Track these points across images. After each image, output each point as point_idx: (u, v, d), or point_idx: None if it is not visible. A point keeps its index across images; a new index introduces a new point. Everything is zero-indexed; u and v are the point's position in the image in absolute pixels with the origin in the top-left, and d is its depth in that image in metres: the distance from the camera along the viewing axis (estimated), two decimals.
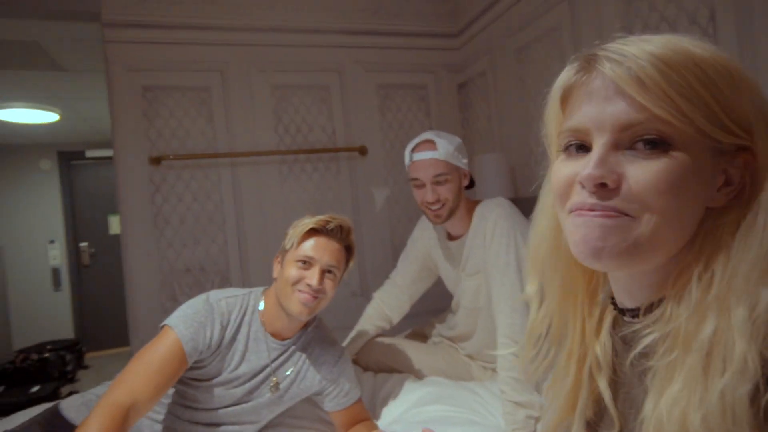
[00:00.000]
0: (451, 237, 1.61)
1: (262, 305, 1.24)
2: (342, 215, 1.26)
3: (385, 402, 1.47)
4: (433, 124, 2.73)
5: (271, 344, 1.22)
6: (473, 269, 1.51)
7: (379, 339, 1.78)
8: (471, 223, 1.51)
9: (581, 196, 0.46)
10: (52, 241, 4.42)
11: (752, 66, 1.34)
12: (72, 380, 3.73)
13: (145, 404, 1.00)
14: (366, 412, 1.33)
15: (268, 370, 1.21)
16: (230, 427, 1.20)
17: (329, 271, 1.19)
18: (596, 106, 0.45)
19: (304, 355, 1.27)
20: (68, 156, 4.51)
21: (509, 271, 1.36)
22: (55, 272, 4.43)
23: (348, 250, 1.26)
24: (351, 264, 1.28)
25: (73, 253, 4.50)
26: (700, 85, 0.41)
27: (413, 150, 1.47)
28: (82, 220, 4.58)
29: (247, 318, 1.22)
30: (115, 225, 4.65)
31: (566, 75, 0.50)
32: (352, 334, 1.81)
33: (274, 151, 2.41)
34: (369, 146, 2.57)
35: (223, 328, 1.16)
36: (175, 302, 2.28)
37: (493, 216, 1.43)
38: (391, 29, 2.62)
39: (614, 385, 0.53)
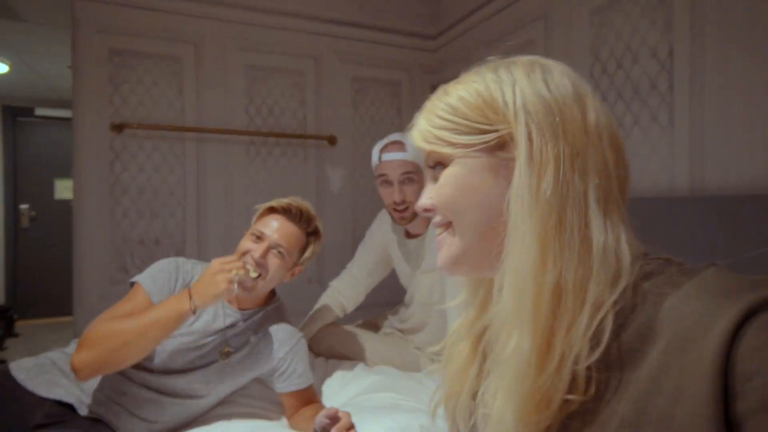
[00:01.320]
0: (408, 235, 1.67)
1: None
2: (306, 203, 1.33)
3: (334, 387, 1.51)
4: (404, 122, 2.78)
5: (227, 311, 1.26)
6: (430, 267, 1.58)
7: (332, 326, 1.82)
8: (430, 223, 1.57)
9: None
10: None
11: (701, 93, 1.48)
12: None
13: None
14: (316, 397, 1.37)
15: (221, 335, 1.24)
16: (180, 400, 1.20)
17: (277, 250, 1.23)
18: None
19: (260, 330, 1.29)
20: (15, 111, 4.24)
21: None
22: None
23: (309, 235, 1.33)
24: (311, 250, 1.35)
25: (11, 214, 4.24)
26: (447, 114, 0.52)
27: (382, 150, 1.52)
28: (25, 181, 4.33)
29: None
30: (61, 189, 4.42)
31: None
32: (306, 320, 1.84)
33: (244, 131, 2.38)
34: (339, 136, 2.59)
35: (185, 286, 1.22)
36: (126, 274, 2.22)
37: None
38: (372, 23, 2.64)
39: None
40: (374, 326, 1.95)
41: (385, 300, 2.04)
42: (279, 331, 1.31)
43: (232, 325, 1.26)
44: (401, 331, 1.81)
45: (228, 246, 2.34)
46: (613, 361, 0.42)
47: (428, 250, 1.57)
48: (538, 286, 0.44)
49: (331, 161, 2.61)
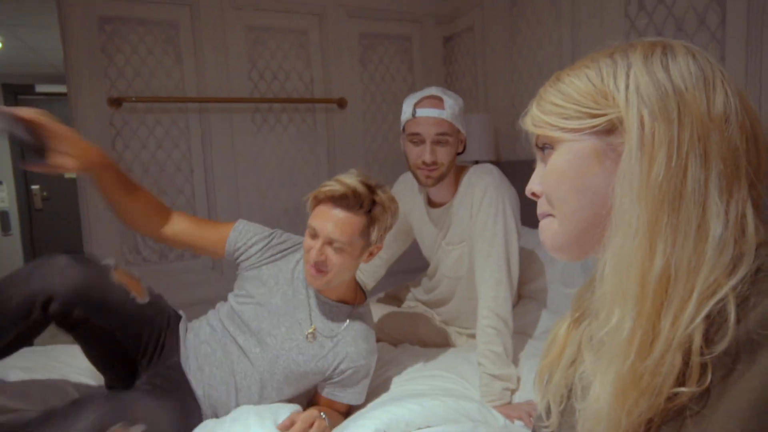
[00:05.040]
0: (432, 203, 1.54)
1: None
2: (362, 175, 1.18)
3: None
4: (416, 79, 2.61)
5: (311, 292, 1.23)
6: (457, 238, 1.46)
7: None
8: (457, 191, 1.44)
9: None
10: None
11: (759, 28, 1.29)
12: None
13: (168, 226, 1.24)
14: (344, 410, 1.26)
15: (305, 313, 1.21)
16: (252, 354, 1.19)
17: (334, 247, 1.12)
18: None
19: (348, 332, 1.22)
20: (15, 89, 4.12)
21: (496, 242, 1.32)
22: (3, 215, 4.15)
23: (370, 213, 1.15)
24: (378, 228, 1.17)
25: (23, 195, 4.21)
26: (558, 99, 0.52)
27: (417, 104, 1.37)
28: None
29: (296, 256, 1.28)
30: None
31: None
32: None
33: (248, 99, 2.25)
34: (348, 99, 2.44)
35: (268, 246, 1.26)
36: (138, 255, 2.16)
37: (482, 184, 1.36)
38: None
39: None
40: (396, 300, 1.87)
41: (408, 267, 1.94)
42: (359, 340, 1.21)
43: (318, 309, 1.23)
44: (425, 303, 1.72)
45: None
46: (733, 349, 0.40)
47: (454, 220, 1.45)
48: (643, 270, 0.44)
49: (342, 125, 2.47)
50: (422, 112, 1.34)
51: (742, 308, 0.41)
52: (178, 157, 2.18)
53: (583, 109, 0.50)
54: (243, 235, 1.26)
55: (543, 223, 0.56)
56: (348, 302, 1.26)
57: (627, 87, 0.47)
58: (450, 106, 1.34)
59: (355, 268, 1.21)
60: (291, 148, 2.39)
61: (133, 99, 2.04)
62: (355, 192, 1.12)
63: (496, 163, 2.28)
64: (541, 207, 0.56)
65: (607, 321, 0.46)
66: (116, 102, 2.02)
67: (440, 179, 1.40)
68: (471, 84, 2.51)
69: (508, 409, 1.21)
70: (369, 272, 1.73)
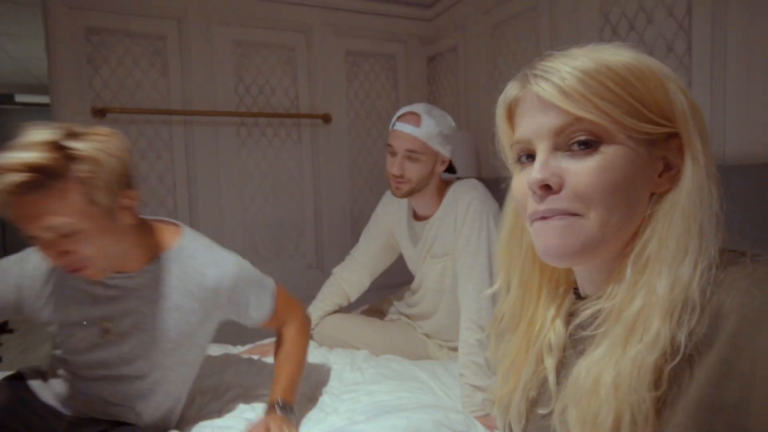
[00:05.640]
0: (417, 216, 1.57)
1: None
2: (44, 126, 0.84)
3: (338, 383, 1.42)
4: (400, 96, 2.66)
5: (108, 282, 0.98)
6: (440, 251, 1.49)
7: (335, 314, 1.75)
8: (442, 204, 1.48)
9: (533, 205, 0.50)
10: None
11: (722, 55, 1.37)
12: None
13: None
14: (291, 312, 1.23)
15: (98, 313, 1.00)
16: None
17: (69, 235, 0.82)
18: (533, 118, 0.50)
19: (168, 284, 1.01)
20: None
21: (479, 255, 1.35)
22: None
23: (74, 179, 0.82)
24: (102, 190, 0.85)
25: None
26: (615, 86, 0.46)
27: (399, 117, 1.41)
28: None
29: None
30: None
31: (507, 93, 0.54)
32: (309, 309, 1.76)
33: (233, 113, 2.26)
34: (333, 114, 2.47)
35: (25, 274, 1.01)
36: None
37: (466, 198, 1.40)
38: None
39: (561, 366, 0.58)
40: (379, 313, 1.88)
41: (389, 282, 1.96)
42: (194, 275, 1.03)
43: (115, 297, 0.99)
44: (408, 316, 1.74)
45: (222, 234, 2.25)
46: (689, 349, 0.42)
47: (439, 233, 1.48)
48: (683, 285, 0.44)
49: (327, 140, 2.50)
50: (399, 126, 1.39)
51: (696, 310, 0.43)
52: (161, 168, 2.17)
53: (645, 111, 0.46)
54: None
55: (563, 224, 0.48)
56: (152, 254, 1.01)
57: (681, 103, 0.47)
58: (427, 126, 1.37)
59: (128, 230, 0.93)
60: (275, 163, 2.40)
61: (117, 110, 2.04)
62: (32, 168, 0.77)
63: (478, 179, 2.33)
64: (558, 203, 0.48)
65: (645, 333, 0.44)
66: (100, 112, 2.02)
67: (410, 193, 1.44)
68: (453, 102, 2.57)
69: (489, 420, 1.23)
70: (354, 285, 1.75)
